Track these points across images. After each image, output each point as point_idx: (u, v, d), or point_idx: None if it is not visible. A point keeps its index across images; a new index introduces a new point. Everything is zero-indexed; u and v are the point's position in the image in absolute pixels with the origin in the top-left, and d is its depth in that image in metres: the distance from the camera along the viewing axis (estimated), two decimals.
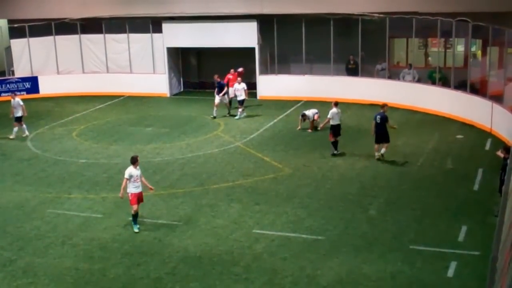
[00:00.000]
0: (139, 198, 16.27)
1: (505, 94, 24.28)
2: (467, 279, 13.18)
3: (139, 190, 16.19)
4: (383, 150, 21.50)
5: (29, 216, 17.48)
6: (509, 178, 11.47)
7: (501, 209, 8.94)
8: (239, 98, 28.02)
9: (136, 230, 16.14)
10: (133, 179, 16.03)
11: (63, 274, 14.02)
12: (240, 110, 28.20)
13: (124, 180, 16.11)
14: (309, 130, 25.68)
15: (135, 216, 16.22)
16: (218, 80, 28.59)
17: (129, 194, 16.13)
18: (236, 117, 28.10)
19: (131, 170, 16.08)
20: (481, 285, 12.55)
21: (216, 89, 28.57)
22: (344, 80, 31.08)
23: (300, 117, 25.99)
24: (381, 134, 21.44)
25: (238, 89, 27.98)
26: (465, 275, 13.38)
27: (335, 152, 22.26)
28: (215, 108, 28.28)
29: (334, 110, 22.27)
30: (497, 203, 16.22)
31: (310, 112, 25.90)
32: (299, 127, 25.94)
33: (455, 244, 14.87)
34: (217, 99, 28.25)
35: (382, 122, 21.36)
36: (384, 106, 21.78)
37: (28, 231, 16.48)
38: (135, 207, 16.13)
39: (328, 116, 22.23)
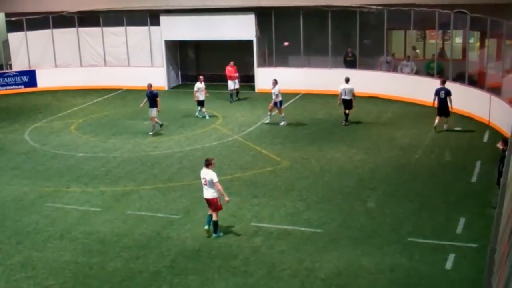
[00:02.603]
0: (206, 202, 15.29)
1: (503, 86, 24.27)
2: (465, 271, 13.21)
3: (204, 194, 15.25)
4: (445, 126, 23.55)
5: (27, 210, 17.48)
6: (507, 170, 11.46)
7: (499, 201, 8.94)
8: (199, 99, 26.87)
9: (220, 234, 15.31)
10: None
11: (62, 267, 14.04)
12: (203, 110, 27.12)
13: (218, 184, 14.92)
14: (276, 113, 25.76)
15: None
16: (151, 89, 24.80)
17: (218, 199, 15.07)
18: (204, 117, 27.08)
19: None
20: (479, 277, 12.57)
21: (145, 99, 24.96)
22: (342, 72, 30.91)
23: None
24: (444, 107, 23.43)
25: (201, 89, 26.81)
26: (463, 267, 13.41)
27: (344, 123, 25.12)
28: (157, 121, 25.05)
29: (341, 86, 25.03)
30: (495, 195, 16.23)
31: (275, 89, 25.26)
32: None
33: (453, 236, 14.89)
34: (152, 112, 24.73)
35: (445, 97, 23.34)
36: (445, 81, 24.01)
37: (27, 225, 16.48)
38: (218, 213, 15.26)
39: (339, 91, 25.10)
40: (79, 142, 24.25)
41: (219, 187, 14.93)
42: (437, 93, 23.53)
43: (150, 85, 24.94)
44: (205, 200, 15.26)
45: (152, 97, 24.57)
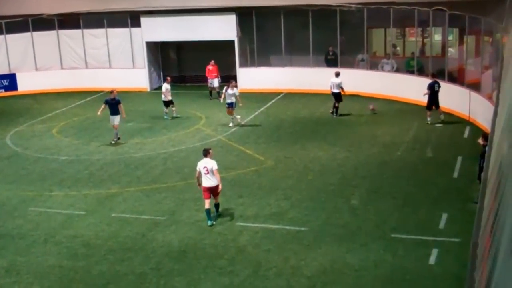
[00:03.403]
0: (206, 191, 15.85)
1: (482, 82, 24.50)
2: (448, 266, 13.35)
3: (206, 184, 15.78)
4: (442, 116, 24.39)
5: (10, 215, 17.38)
6: (488, 165, 11.59)
7: (480, 196, 9.05)
8: (165, 99, 26.91)
9: (209, 224, 15.93)
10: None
11: (47, 272, 14.00)
12: (166, 110, 27.11)
13: (217, 172, 15.73)
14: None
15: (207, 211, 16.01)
16: (114, 96, 23.64)
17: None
18: (164, 117, 27.13)
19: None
20: (462, 271, 12.66)
21: (102, 106, 23.67)
22: (324, 71, 31.14)
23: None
24: (437, 100, 24.10)
25: (169, 89, 26.85)
26: (446, 261, 13.55)
27: (334, 115, 26.24)
28: (115, 131, 23.94)
29: (330, 79, 26.24)
30: (476, 190, 16.38)
31: (235, 91, 25.42)
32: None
33: (436, 231, 15.03)
34: (115, 120, 23.64)
35: (438, 89, 24.16)
36: (434, 74, 24.96)
37: (10, 230, 16.39)
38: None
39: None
40: (61, 145, 24.14)
41: (218, 175, 15.75)
42: (432, 87, 24.07)
43: (112, 91, 24.10)
44: (208, 189, 15.75)
45: (116, 103, 23.58)
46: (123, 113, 23.84)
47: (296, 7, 30.36)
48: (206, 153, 15.85)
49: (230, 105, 25.24)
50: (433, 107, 24.27)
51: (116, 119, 23.65)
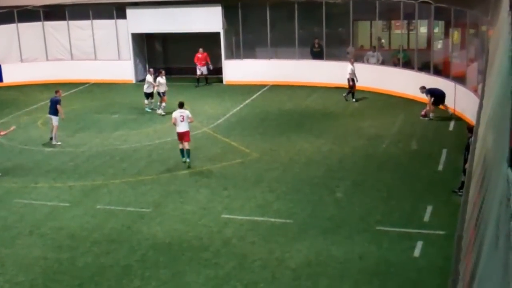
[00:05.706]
0: (180, 136, 19.52)
1: (467, 74, 24.58)
2: (433, 258, 13.42)
3: (179, 129, 19.48)
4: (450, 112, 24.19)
5: None
6: (473, 158, 11.66)
7: (465, 189, 9.10)
8: (147, 91, 26.93)
9: (183, 160, 19.75)
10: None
11: (32, 264, 13.96)
12: (147, 102, 27.13)
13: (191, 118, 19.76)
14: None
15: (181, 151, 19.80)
16: (58, 95, 23.28)
17: None
18: (147, 109, 27.13)
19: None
20: (447, 264, 12.72)
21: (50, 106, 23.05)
22: (310, 63, 31.18)
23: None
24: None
25: (150, 81, 26.84)
26: (431, 254, 13.62)
27: (348, 99, 27.26)
28: (54, 134, 23.00)
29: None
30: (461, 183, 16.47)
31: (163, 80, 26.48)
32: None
33: (421, 224, 15.11)
34: (54, 120, 22.83)
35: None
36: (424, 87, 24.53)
37: None
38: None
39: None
40: (46, 137, 23.96)
41: (192, 119, 19.84)
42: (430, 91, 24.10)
43: (58, 91, 23.66)
44: (182, 134, 19.40)
45: (55, 102, 22.80)
46: (62, 114, 23.06)
47: None
48: (182, 105, 19.82)
49: (164, 93, 26.24)
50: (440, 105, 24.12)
51: (56, 120, 22.84)
